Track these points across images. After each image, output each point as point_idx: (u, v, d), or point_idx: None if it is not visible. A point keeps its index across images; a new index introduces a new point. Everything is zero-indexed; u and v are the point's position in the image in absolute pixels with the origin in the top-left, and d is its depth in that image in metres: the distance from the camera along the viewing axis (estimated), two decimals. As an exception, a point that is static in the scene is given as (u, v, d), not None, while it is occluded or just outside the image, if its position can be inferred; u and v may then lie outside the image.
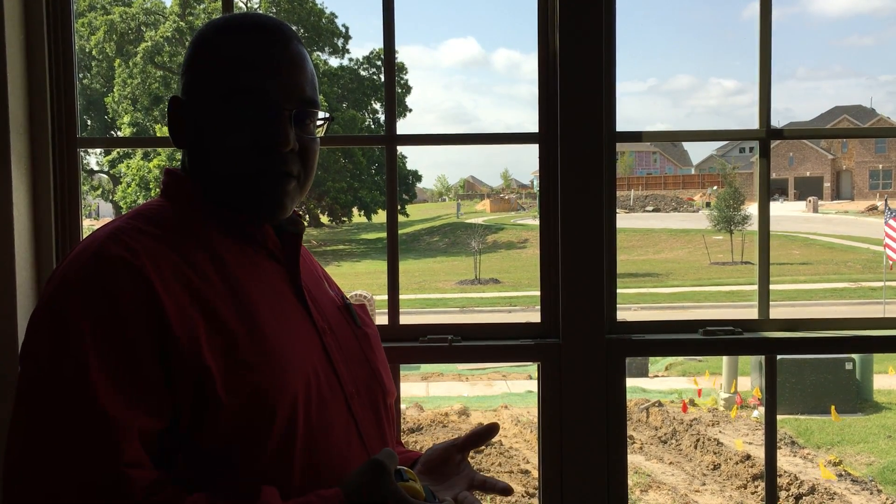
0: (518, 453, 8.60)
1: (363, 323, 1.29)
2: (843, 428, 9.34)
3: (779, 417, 2.36)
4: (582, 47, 1.82)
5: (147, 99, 32.02)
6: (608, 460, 1.86)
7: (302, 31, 32.13)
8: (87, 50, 33.24)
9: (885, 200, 16.77)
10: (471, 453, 1.32)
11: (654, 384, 11.65)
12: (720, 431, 9.29)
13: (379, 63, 35.14)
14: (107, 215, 42.61)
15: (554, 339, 1.87)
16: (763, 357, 1.97)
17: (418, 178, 39.71)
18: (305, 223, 1.27)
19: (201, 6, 33.09)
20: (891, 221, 14.20)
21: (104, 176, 37.39)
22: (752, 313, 1.99)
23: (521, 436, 9.14)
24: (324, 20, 35.02)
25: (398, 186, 1.94)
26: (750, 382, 10.91)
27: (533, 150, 1.91)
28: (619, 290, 1.92)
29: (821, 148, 56.54)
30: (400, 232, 1.92)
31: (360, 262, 29.64)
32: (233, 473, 1.03)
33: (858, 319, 1.99)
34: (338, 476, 1.07)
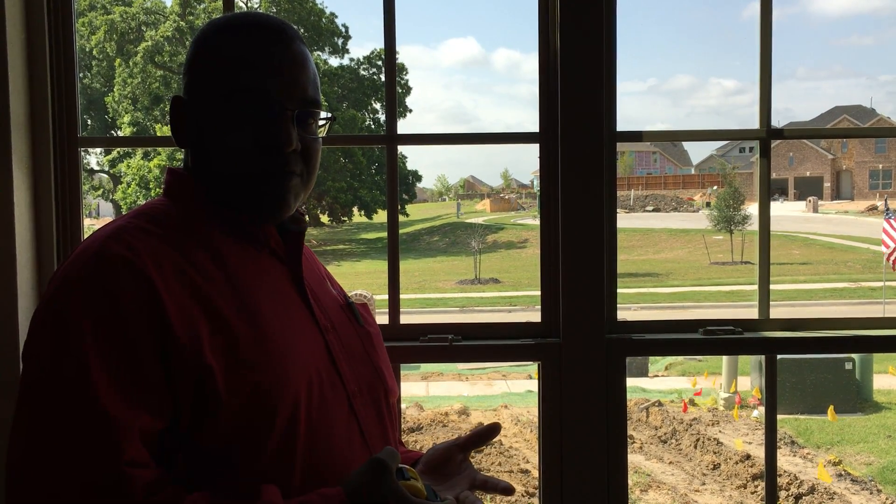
0: (518, 453, 8.60)
1: (365, 322, 1.29)
2: (842, 428, 9.34)
3: (779, 417, 2.36)
4: (582, 47, 1.83)
5: (147, 98, 32.02)
6: (608, 460, 1.86)
7: (302, 30, 32.12)
8: (87, 49, 33.24)
9: (885, 200, 16.77)
10: (471, 453, 1.32)
11: (654, 384, 11.65)
12: (720, 431, 9.29)
13: (379, 63, 35.15)
14: (107, 215, 42.62)
15: (554, 339, 1.87)
16: (763, 357, 1.97)
17: (418, 177, 39.70)
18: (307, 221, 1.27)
19: (202, 6, 33.09)
20: (885, 224, 14.22)
21: (104, 175, 37.41)
22: (752, 313, 2.00)
23: (520, 435, 9.14)
24: (324, 20, 35.01)
25: (398, 186, 1.94)
26: (750, 382, 10.91)
27: (533, 149, 1.91)
28: (618, 290, 1.92)
29: (821, 148, 56.54)
30: (400, 232, 1.92)
31: (360, 262, 29.64)
32: (233, 473, 1.03)
33: (858, 319, 1.99)
34: (339, 475, 1.07)
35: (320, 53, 35.19)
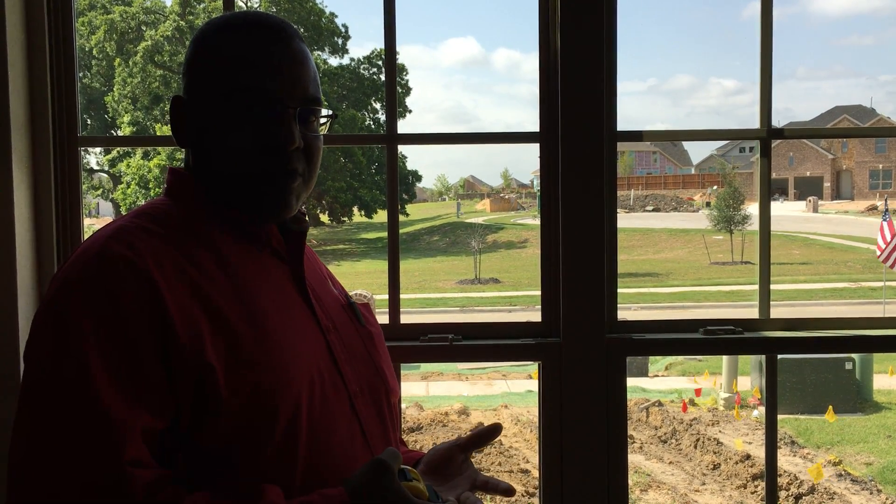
0: (518, 453, 8.61)
1: (367, 322, 1.28)
2: (842, 428, 9.35)
3: (779, 417, 2.36)
4: (583, 47, 1.83)
5: (147, 98, 32.02)
6: (608, 460, 1.86)
7: (302, 30, 32.09)
8: (87, 49, 33.24)
9: (885, 200, 16.78)
10: (472, 453, 1.32)
11: (654, 384, 11.65)
12: (720, 431, 9.29)
13: (379, 63, 35.12)
14: (107, 214, 42.63)
15: (555, 339, 1.87)
16: (763, 357, 1.97)
17: (418, 177, 39.70)
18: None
19: (201, 5, 33.09)
20: (883, 224, 14.22)
21: (104, 175, 37.40)
22: (752, 313, 1.99)
23: (520, 435, 9.14)
24: (324, 20, 35.01)
25: (398, 186, 1.94)
26: (749, 382, 10.91)
27: (533, 149, 1.91)
28: (619, 290, 1.92)
29: (821, 148, 56.53)
30: (400, 231, 1.92)
31: (360, 262, 29.63)
32: (234, 473, 1.02)
33: (858, 319, 1.99)
34: (341, 475, 1.07)
35: (320, 53, 35.18)
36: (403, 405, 9.62)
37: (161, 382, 1.00)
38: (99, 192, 37.71)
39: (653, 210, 44.79)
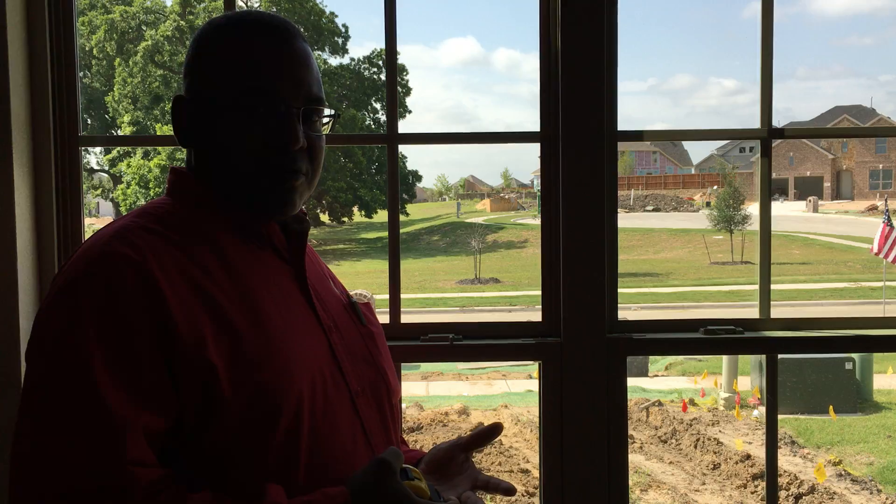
0: (518, 452, 8.61)
1: (368, 321, 1.28)
2: (842, 428, 9.34)
3: (779, 417, 2.36)
4: (584, 46, 1.82)
5: (147, 98, 32.01)
6: (609, 460, 1.86)
7: (302, 30, 32.01)
8: (87, 49, 33.24)
9: (886, 200, 16.77)
10: (473, 453, 1.32)
11: (655, 384, 11.65)
12: (720, 431, 9.29)
13: (380, 63, 35.10)
14: (107, 214, 42.60)
15: (555, 338, 1.87)
16: (763, 357, 1.97)
17: (418, 177, 39.67)
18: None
19: (202, 5, 33.07)
20: (882, 226, 14.24)
21: (104, 175, 37.40)
22: (752, 313, 1.99)
23: (521, 435, 9.14)
24: (324, 20, 34.99)
25: (398, 186, 1.94)
26: (749, 382, 10.91)
27: (533, 149, 1.95)
28: (619, 290, 1.91)
29: (821, 148, 56.52)
30: (400, 231, 1.92)
31: (360, 262, 29.63)
32: (236, 472, 1.03)
33: (858, 319, 1.98)
34: (343, 475, 1.07)
35: (320, 53, 35.16)
36: (403, 405, 9.62)
37: (164, 382, 1.00)
38: (99, 191, 37.73)
39: (653, 210, 44.78)
